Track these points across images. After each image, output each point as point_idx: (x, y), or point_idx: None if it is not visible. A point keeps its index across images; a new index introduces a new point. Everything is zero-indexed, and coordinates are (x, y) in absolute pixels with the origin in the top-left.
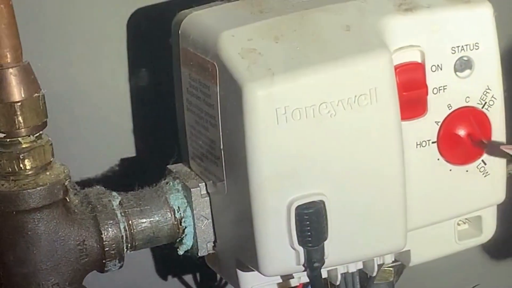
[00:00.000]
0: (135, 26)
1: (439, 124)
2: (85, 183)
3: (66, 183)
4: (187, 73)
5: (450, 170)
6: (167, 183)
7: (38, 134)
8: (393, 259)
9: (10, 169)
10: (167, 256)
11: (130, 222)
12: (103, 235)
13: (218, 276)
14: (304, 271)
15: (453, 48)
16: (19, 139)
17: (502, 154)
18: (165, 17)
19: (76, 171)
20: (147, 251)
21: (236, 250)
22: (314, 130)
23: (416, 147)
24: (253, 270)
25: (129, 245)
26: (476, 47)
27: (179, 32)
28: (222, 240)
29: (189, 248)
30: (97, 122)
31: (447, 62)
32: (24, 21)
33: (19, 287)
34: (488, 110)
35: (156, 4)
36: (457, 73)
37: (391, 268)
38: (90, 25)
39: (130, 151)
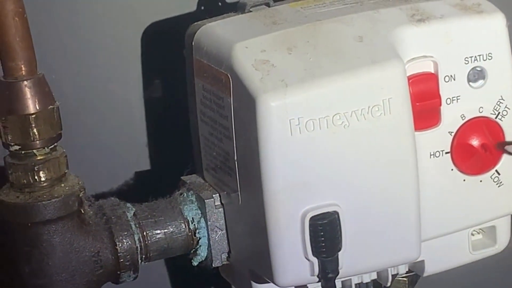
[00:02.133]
0: (149, 39)
1: (453, 134)
2: (99, 196)
3: (80, 195)
4: (201, 85)
5: (464, 180)
6: (181, 194)
7: (52, 146)
8: (407, 269)
9: (25, 181)
10: (182, 267)
11: (144, 233)
12: (117, 247)
13: (233, 287)
14: (318, 281)
15: (466, 59)
16: (34, 151)
17: None
18: (178, 29)
19: (91, 183)
20: (162, 262)
21: (250, 261)
22: (327, 141)
23: (430, 157)
24: (267, 281)
25: (144, 256)
26: (489, 57)
27: (193, 43)
28: (236, 251)
29: (203, 259)
30: (111, 134)
31: (460, 72)
32: (38, 33)
33: None
34: (502, 120)
35: (169, 18)
36: (471, 83)
37: (405, 279)
38: (105, 38)
39: (144, 163)
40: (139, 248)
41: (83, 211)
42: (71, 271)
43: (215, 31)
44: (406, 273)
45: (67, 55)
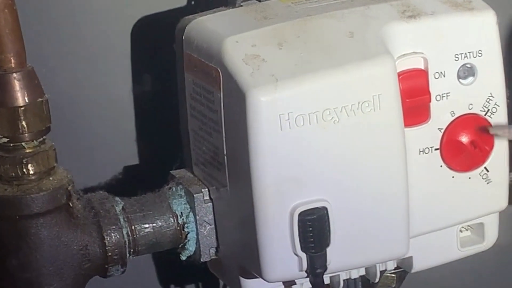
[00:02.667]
0: (139, 33)
1: (442, 131)
2: (88, 190)
3: (69, 188)
4: (191, 79)
5: (453, 177)
6: (170, 188)
7: (41, 139)
8: (396, 266)
9: (13, 174)
10: (170, 261)
11: (133, 227)
12: (105, 240)
13: (221, 282)
14: (306, 277)
15: (457, 55)
16: (23, 144)
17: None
18: (169, 23)
19: (80, 177)
20: (150, 257)
21: (239, 256)
22: (317, 137)
23: (419, 153)
24: (255, 276)
25: (132, 250)
26: (480, 54)
27: (183, 37)
28: (225, 246)
29: (191, 253)
30: (100, 128)
31: (450, 69)
32: (28, 26)
33: None
34: (491, 117)
35: (160, 12)
36: (460, 80)
37: (393, 275)
38: (95, 32)
39: (133, 157)
40: (127, 242)
41: (71, 205)
42: (59, 265)
43: (206, 25)
44: (394, 269)
45: (57, 48)
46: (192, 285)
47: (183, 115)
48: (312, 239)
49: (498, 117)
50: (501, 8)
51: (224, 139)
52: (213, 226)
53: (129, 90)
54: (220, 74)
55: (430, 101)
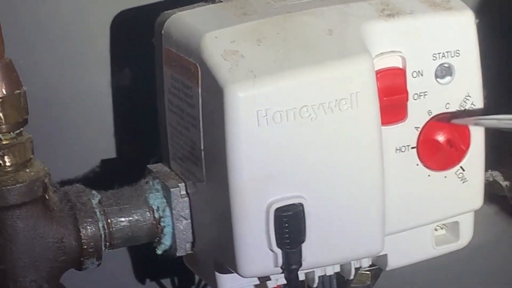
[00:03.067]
0: (119, 27)
1: (419, 129)
2: (65, 183)
3: (45, 181)
4: (169, 74)
5: (429, 175)
6: (147, 182)
7: (18, 131)
8: (370, 263)
9: None
10: (145, 255)
11: (109, 220)
12: (81, 233)
13: (197, 276)
14: (281, 273)
15: (434, 55)
16: (0, 135)
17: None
18: (148, 18)
19: (57, 170)
20: (126, 250)
21: (215, 251)
22: (294, 133)
23: (396, 152)
24: (231, 272)
25: (108, 243)
26: (457, 54)
27: (162, 32)
28: (201, 241)
29: (167, 248)
30: (78, 121)
31: (428, 68)
32: (7, 19)
33: None
34: (468, 117)
35: (140, 6)
36: (438, 79)
37: (368, 272)
38: (74, 24)
39: (111, 151)
40: (103, 235)
41: (47, 197)
42: (34, 257)
43: (185, 20)
44: (369, 267)
45: (36, 41)
46: (168, 279)
47: (161, 110)
48: (287, 235)
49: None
50: (480, 8)
51: (201, 134)
52: (189, 220)
53: (108, 83)
54: (199, 69)
55: (407, 99)
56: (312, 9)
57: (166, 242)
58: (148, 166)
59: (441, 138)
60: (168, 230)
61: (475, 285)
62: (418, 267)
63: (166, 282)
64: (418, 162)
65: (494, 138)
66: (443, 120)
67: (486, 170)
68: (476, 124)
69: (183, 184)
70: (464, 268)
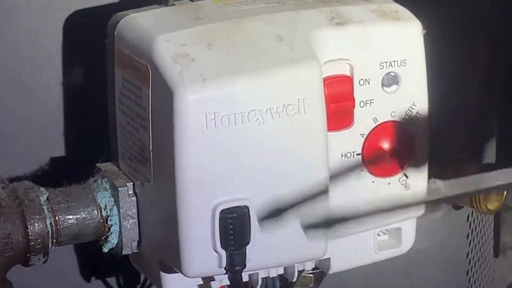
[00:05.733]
0: (71, 27)
1: (364, 136)
2: (14, 180)
3: None
4: (121, 74)
5: (373, 182)
6: (95, 181)
7: None
8: (314, 266)
9: None
10: (91, 253)
11: (56, 218)
12: (29, 230)
13: (142, 275)
14: (225, 274)
15: (382, 64)
16: None
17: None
18: (101, 19)
19: (5, 167)
20: (72, 247)
21: (160, 250)
22: (242, 137)
23: (341, 158)
24: (176, 271)
25: (55, 240)
26: (404, 64)
27: (115, 33)
28: (147, 240)
29: (114, 246)
30: (28, 118)
31: (375, 76)
32: None
33: None
34: (413, 126)
35: (93, 6)
36: (384, 88)
37: (311, 275)
38: (27, 22)
39: (60, 149)
40: (50, 232)
41: None
42: None
43: (138, 22)
44: (312, 270)
45: None
46: (113, 278)
47: (111, 110)
48: (232, 237)
49: (419, 125)
50: (427, 19)
51: (150, 135)
52: (136, 220)
53: (58, 82)
54: (150, 71)
55: (354, 107)
56: (263, 15)
57: (113, 240)
58: (97, 164)
59: (385, 145)
60: (115, 229)
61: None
62: (360, 271)
63: (112, 280)
64: (363, 168)
65: (437, 147)
66: (388, 127)
67: (428, 178)
68: None
69: (131, 183)
70: (405, 272)
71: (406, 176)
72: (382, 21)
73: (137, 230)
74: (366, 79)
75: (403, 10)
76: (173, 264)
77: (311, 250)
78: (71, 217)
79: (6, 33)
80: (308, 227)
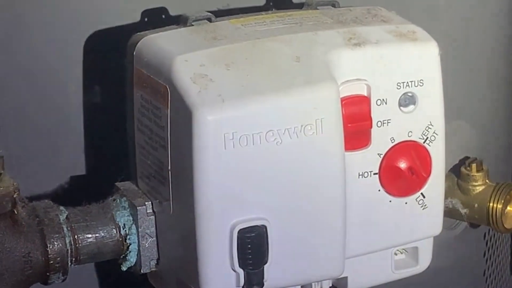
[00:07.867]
0: (92, 46)
1: (382, 156)
2: (34, 198)
3: (14, 196)
4: (140, 94)
5: (390, 201)
6: (114, 200)
7: None
8: (331, 285)
9: None
10: (110, 271)
11: (75, 236)
12: (48, 248)
13: None
14: None
15: (399, 84)
16: None
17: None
18: (121, 39)
19: (26, 186)
20: (91, 266)
21: (178, 269)
22: (260, 157)
23: (358, 177)
24: None
25: (74, 259)
26: (421, 84)
27: (134, 53)
28: (165, 259)
29: (132, 264)
30: (49, 137)
31: (392, 96)
32: None
33: None
34: (429, 145)
35: (113, 27)
36: (401, 107)
37: None
38: (49, 42)
39: (80, 168)
40: (69, 251)
41: (16, 212)
42: (1, 270)
43: (157, 42)
44: None
45: (9, 56)
46: None
47: (130, 129)
48: (250, 256)
49: (436, 145)
50: (444, 40)
51: (169, 154)
52: (154, 238)
53: (79, 100)
54: (168, 91)
55: (371, 127)
56: (281, 36)
57: (131, 259)
58: (116, 183)
59: (403, 165)
60: (133, 247)
61: None
62: None
63: None
64: (380, 187)
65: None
66: (405, 147)
67: (446, 198)
68: None
69: (150, 202)
70: None
71: (423, 196)
72: (399, 42)
73: (156, 248)
74: (383, 99)
75: (420, 31)
76: (191, 282)
77: (329, 268)
78: (90, 236)
79: (28, 52)
80: None
